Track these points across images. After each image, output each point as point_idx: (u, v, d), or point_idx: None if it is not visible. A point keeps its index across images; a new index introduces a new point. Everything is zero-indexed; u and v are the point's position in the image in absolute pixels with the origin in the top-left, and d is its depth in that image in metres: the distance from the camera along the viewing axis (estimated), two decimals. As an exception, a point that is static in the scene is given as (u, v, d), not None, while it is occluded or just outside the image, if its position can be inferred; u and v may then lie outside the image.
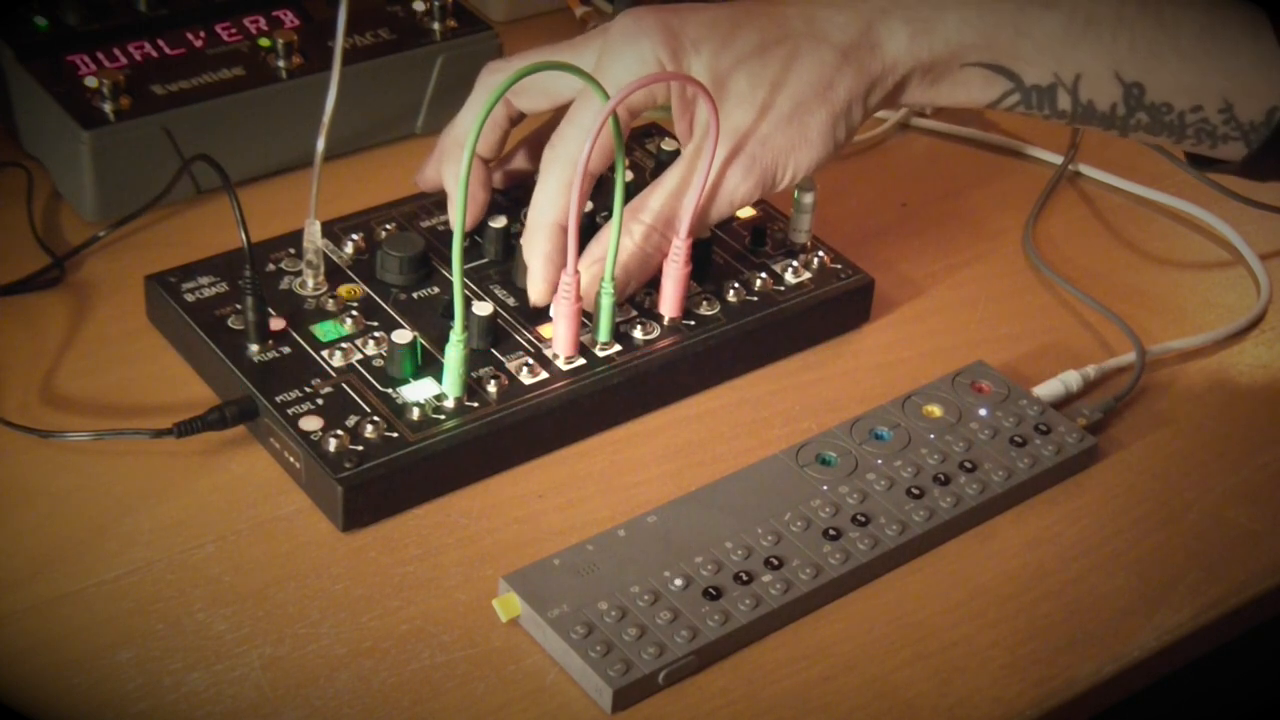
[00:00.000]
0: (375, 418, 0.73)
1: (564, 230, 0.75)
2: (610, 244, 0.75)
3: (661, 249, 0.77)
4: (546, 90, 0.79)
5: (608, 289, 0.77)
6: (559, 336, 0.77)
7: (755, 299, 0.82)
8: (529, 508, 0.74)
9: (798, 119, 0.76)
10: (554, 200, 0.75)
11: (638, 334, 0.79)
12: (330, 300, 0.79)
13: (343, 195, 0.87)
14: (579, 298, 0.76)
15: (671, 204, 0.76)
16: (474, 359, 0.76)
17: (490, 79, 0.80)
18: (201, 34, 0.92)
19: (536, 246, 0.76)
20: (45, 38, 0.89)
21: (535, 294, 0.78)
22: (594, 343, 0.78)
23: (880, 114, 1.02)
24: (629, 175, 0.80)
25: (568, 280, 0.75)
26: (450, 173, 0.81)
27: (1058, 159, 0.99)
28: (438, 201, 0.86)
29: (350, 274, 0.81)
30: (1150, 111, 0.76)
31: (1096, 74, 0.76)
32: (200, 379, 0.79)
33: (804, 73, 0.76)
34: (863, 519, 0.73)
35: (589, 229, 0.84)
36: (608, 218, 0.76)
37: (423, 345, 0.77)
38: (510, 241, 0.82)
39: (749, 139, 0.76)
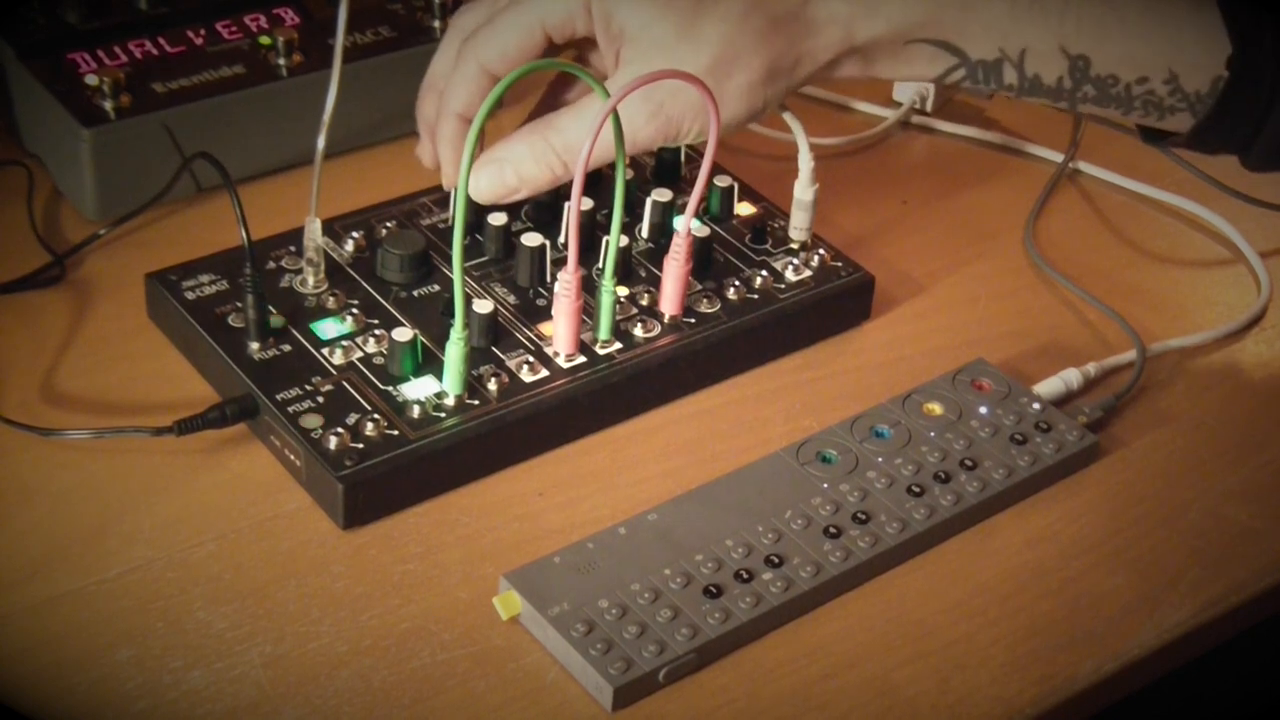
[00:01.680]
0: (376, 416, 0.73)
1: (466, 120, 0.78)
2: (612, 244, 0.75)
3: (553, 171, 0.76)
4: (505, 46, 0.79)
5: (608, 286, 0.77)
6: (559, 334, 0.77)
7: (756, 297, 0.82)
8: (529, 506, 0.74)
9: (714, 78, 0.74)
10: (457, 92, 0.78)
11: (638, 332, 0.79)
12: (331, 298, 0.79)
13: (343, 193, 0.87)
14: (579, 294, 0.76)
15: (583, 134, 0.73)
16: (474, 357, 0.76)
17: (460, 21, 0.80)
18: (202, 32, 0.92)
19: (442, 133, 0.79)
20: (45, 36, 0.89)
21: (444, 179, 0.81)
22: (594, 340, 0.78)
23: (881, 112, 1.02)
24: (629, 173, 0.80)
25: (568, 278, 0.75)
26: (422, 116, 0.82)
27: (1058, 157, 0.99)
28: (438, 200, 0.86)
29: (351, 272, 0.81)
30: (1096, 84, 0.77)
31: (1042, 49, 0.76)
32: (200, 377, 0.79)
33: (731, 34, 0.74)
34: (863, 517, 0.73)
35: (589, 227, 0.84)
36: (609, 215, 0.75)
37: (423, 343, 0.77)
38: (511, 240, 0.82)
39: (661, 86, 0.74)
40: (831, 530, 0.72)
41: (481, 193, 0.77)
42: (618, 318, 0.79)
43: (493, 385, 0.75)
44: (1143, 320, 0.87)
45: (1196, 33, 0.75)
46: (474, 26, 0.80)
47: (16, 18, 0.89)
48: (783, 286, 0.83)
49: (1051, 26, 0.75)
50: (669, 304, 0.80)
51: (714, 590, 0.69)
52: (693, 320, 0.81)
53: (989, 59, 0.76)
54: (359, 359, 0.76)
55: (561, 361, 0.77)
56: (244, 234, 0.75)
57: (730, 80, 0.75)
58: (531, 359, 0.77)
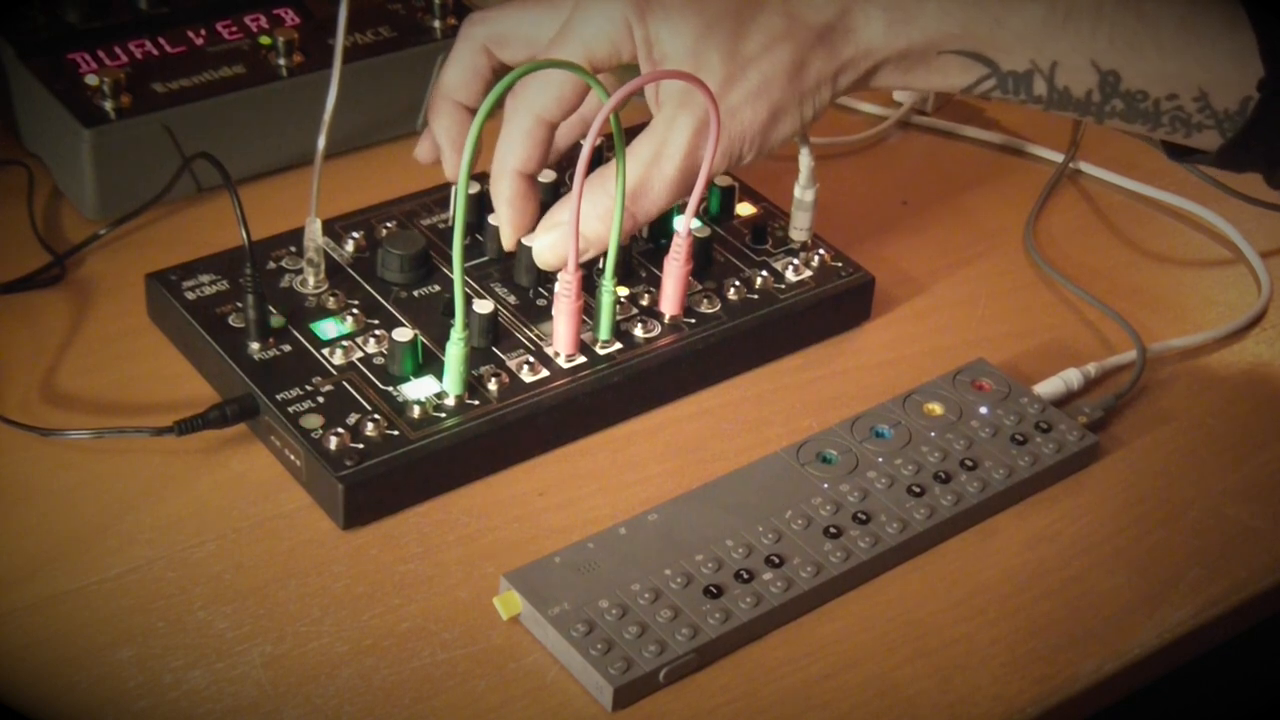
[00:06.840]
0: (376, 416, 0.73)
1: (525, 177, 0.76)
2: (612, 244, 0.75)
3: (630, 218, 0.76)
4: (528, 41, 0.79)
5: (609, 286, 0.77)
6: (559, 334, 0.77)
7: (756, 297, 0.82)
8: (530, 506, 0.74)
9: (766, 94, 0.75)
10: (513, 148, 0.76)
11: (638, 332, 0.79)
12: (331, 298, 0.79)
13: (343, 193, 0.87)
14: (580, 295, 0.76)
15: (644, 174, 0.75)
16: (475, 357, 0.76)
17: (471, 31, 0.80)
18: (202, 32, 0.92)
19: (500, 192, 0.77)
20: (46, 35, 0.89)
21: (504, 240, 0.79)
22: (594, 341, 0.78)
23: (881, 112, 1.02)
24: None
25: (568, 278, 0.75)
26: (440, 126, 0.81)
27: (1058, 157, 0.99)
28: (438, 199, 0.86)
29: (351, 272, 0.81)
30: (1125, 99, 0.77)
31: (1073, 63, 0.76)
32: (201, 377, 0.79)
33: (776, 49, 0.75)
34: (863, 517, 0.73)
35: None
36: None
37: (423, 343, 0.77)
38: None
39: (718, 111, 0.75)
40: (832, 530, 0.72)
41: (547, 260, 0.77)
42: (618, 318, 0.79)
43: (493, 385, 0.75)
44: (1143, 320, 0.87)
45: (1229, 52, 0.75)
46: (486, 34, 0.79)
47: (17, 17, 0.89)
48: (783, 286, 0.83)
49: (1084, 41, 0.75)
50: (669, 304, 0.80)
51: (714, 590, 0.69)
52: (693, 320, 0.81)
53: (1020, 70, 0.76)
54: (359, 359, 0.76)
55: (562, 361, 0.77)
56: (244, 234, 0.75)
57: (781, 94, 0.75)
58: (532, 359, 0.77)
